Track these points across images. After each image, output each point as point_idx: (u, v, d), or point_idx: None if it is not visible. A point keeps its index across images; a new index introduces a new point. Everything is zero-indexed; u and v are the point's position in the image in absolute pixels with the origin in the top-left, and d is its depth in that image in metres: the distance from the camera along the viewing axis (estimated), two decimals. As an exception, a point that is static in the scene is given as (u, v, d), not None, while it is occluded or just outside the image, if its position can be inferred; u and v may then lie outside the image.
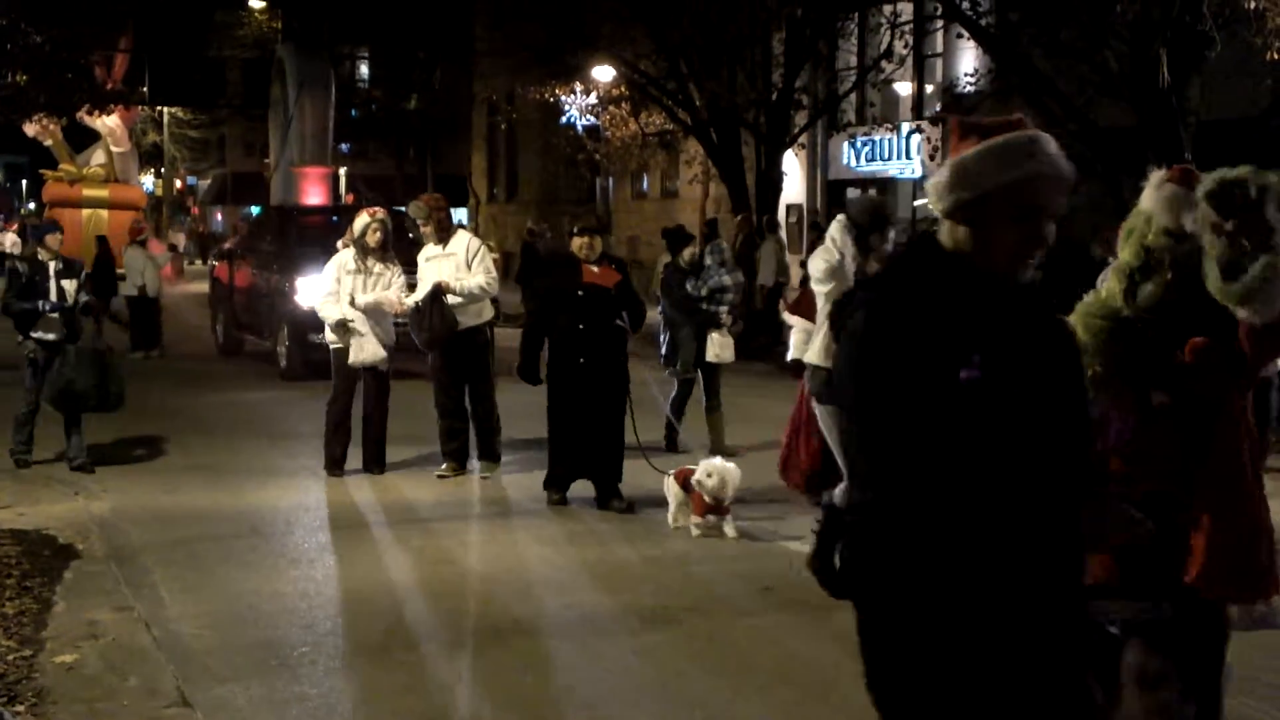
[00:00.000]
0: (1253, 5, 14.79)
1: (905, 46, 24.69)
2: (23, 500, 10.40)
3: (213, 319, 22.48)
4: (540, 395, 10.49)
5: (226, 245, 25.37)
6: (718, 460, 9.40)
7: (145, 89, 46.90)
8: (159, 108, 57.71)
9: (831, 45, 26.82)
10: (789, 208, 28.62)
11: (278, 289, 18.61)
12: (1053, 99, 18.35)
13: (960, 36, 21.95)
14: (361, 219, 11.66)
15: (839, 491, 7.43)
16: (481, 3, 37.83)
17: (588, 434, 10.08)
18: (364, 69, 56.45)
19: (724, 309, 12.56)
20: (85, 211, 44.37)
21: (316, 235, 20.52)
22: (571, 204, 37.72)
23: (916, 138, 27.19)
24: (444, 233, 11.44)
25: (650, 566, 8.71)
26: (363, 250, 11.55)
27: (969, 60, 23.95)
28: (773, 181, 25.50)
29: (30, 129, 42.84)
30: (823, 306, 8.86)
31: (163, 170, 64.81)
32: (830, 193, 30.39)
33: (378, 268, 11.57)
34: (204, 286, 30.00)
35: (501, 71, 33.15)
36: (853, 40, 27.58)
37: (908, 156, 27.88)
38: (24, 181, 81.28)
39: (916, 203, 29.07)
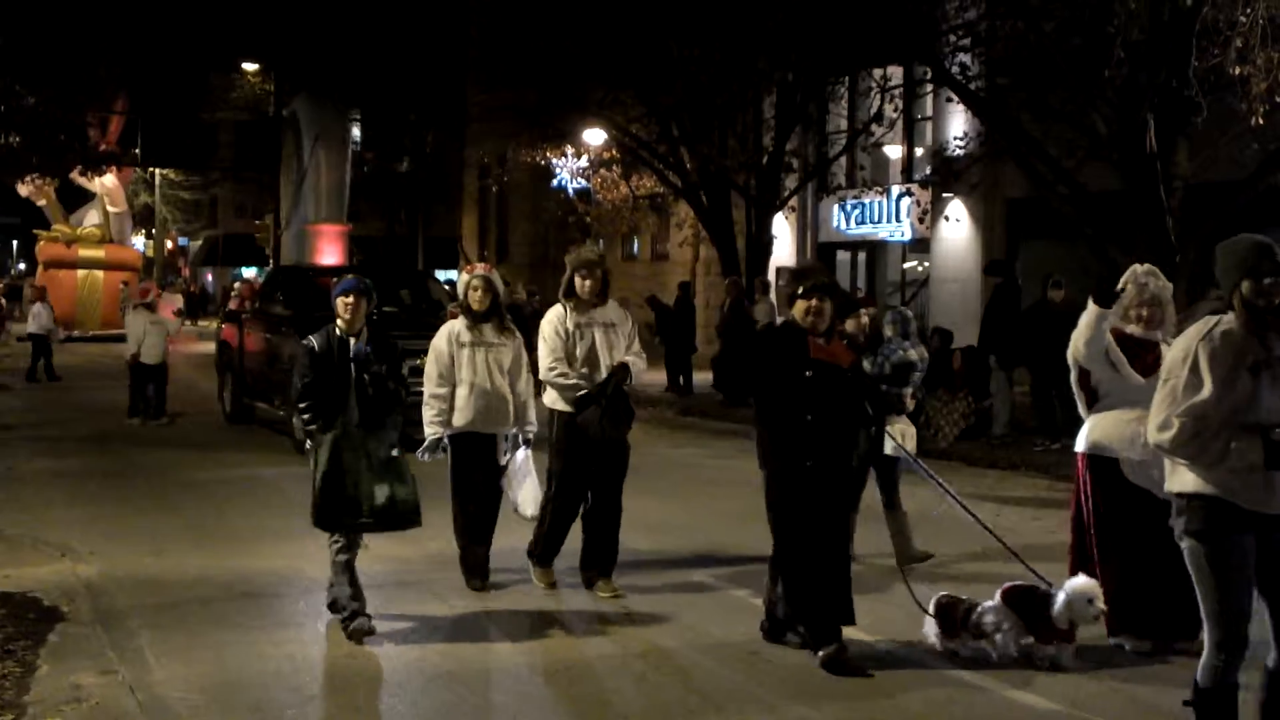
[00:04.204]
0: (1237, 71, 14.92)
1: (895, 110, 24.88)
2: (8, 562, 10.31)
3: (220, 385, 21.17)
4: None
5: (233, 307, 24.26)
6: (1084, 581, 7.50)
7: (138, 150, 47.10)
8: (151, 169, 57.96)
9: (822, 109, 27.01)
10: (779, 270, 28.70)
11: (294, 355, 17.77)
12: (1041, 162, 18.50)
13: (950, 100, 22.15)
14: (461, 279, 9.85)
15: (1205, 667, 5.71)
16: (473, 67, 38.04)
17: (820, 556, 7.75)
18: (356, 131, 56.77)
19: (908, 390, 10.26)
20: (80, 272, 44.43)
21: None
22: (562, 267, 37.77)
23: (906, 200, 27.33)
24: (604, 294, 9.40)
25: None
26: (472, 316, 9.57)
27: (959, 124, 24.15)
28: (763, 244, 25.61)
29: (23, 189, 43.06)
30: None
31: (154, 231, 64.98)
32: (820, 255, 30.48)
33: (492, 336, 9.54)
34: (199, 348, 30.00)
35: (493, 135, 33.33)
36: (843, 104, 27.76)
37: (898, 219, 28.00)
38: (15, 242, 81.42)
39: (905, 265, 29.19)
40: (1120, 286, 7.82)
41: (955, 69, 19.84)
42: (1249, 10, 14.34)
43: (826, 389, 7.68)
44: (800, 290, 7.89)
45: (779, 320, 8.64)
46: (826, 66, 23.96)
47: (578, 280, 9.24)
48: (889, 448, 9.74)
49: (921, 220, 26.84)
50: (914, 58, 22.53)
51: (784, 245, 29.67)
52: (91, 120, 39.21)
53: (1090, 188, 18.29)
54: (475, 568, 9.53)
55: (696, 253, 33.02)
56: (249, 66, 52.28)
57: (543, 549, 9.51)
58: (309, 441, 8.45)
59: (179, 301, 43.12)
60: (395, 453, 8.26)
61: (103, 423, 20.06)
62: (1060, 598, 7.38)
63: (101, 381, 26.22)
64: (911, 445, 10.12)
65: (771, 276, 26.38)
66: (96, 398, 23.94)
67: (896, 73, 25.06)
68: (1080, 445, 8.00)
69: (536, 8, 25.34)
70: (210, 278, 73.84)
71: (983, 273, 22.48)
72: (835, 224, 29.78)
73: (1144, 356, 7.74)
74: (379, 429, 8.25)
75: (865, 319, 10.32)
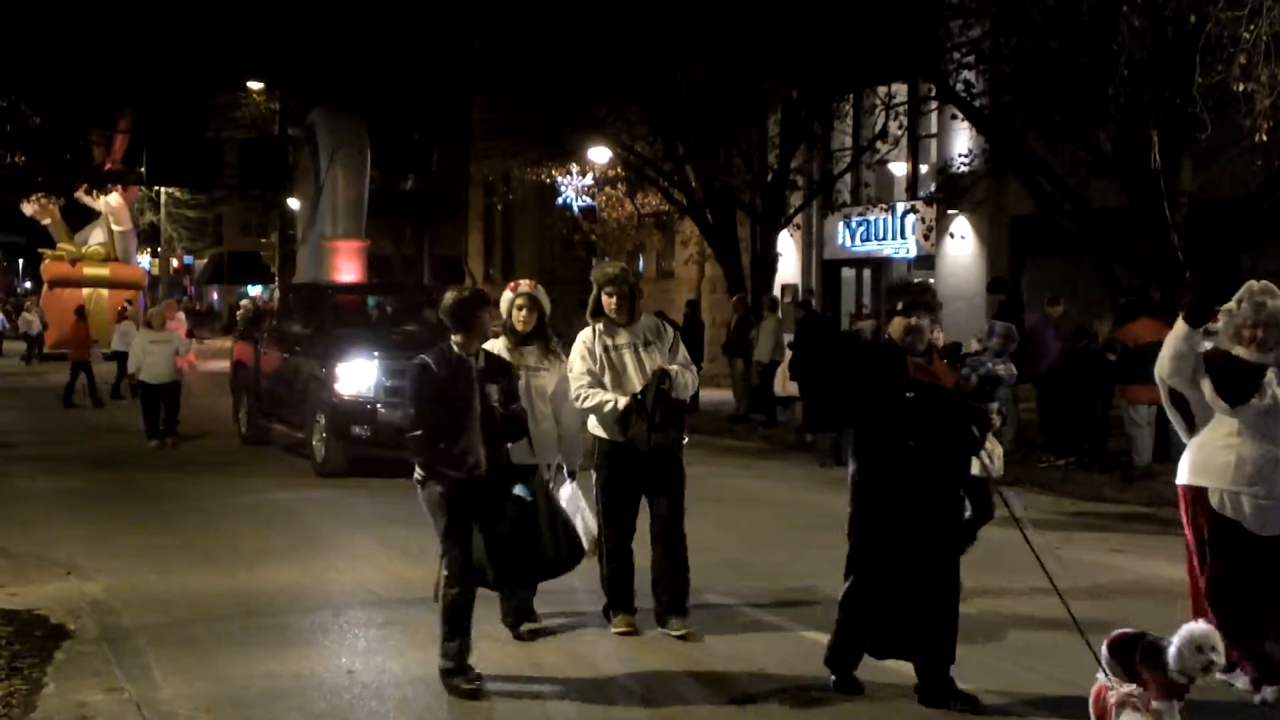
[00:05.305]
0: (1241, 88, 14.94)
1: (900, 127, 24.90)
2: (15, 580, 10.32)
3: (235, 406, 20.61)
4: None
5: (264, 325, 23.02)
6: (1203, 627, 6.55)
7: (143, 169, 47.17)
8: (156, 188, 57.99)
9: (826, 126, 27.06)
10: (784, 288, 28.72)
11: (313, 375, 17.05)
12: (1046, 179, 18.54)
13: (955, 117, 22.18)
14: (504, 296, 8.90)
15: None
16: (478, 85, 38.12)
17: (909, 595, 7.17)
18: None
19: (994, 405, 9.60)
20: (85, 291, 44.43)
21: (354, 316, 19.31)
22: (567, 284, 37.85)
23: (911, 218, 27.36)
24: (632, 311, 8.77)
25: None
26: (514, 337, 8.74)
27: (963, 141, 24.17)
28: (768, 262, 25.63)
29: (28, 208, 43.13)
30: None
31: (159, 250, 65.08)
32: (825, 272, 30.51)
33: (534, 359, 8.72)
34: (206, 366, 29.93)
35: (498, 153, 33.38)
36: (848, 121, 27.81)
37: (902, 236, 28.02)
38: (20, 261, 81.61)
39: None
40: (1232, 304, 7.26)
41: (960, 86, 19.88)
42: (1252, 27, 14.35)
43: (929, 412, 7.17)
44: (899, 306, 7.38)
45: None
46: (831, 84, 24.01)
47: (604, 298, 8.67)
48: (975, 469, 8.82)
49: (926, 237, 26.86)
50: (918, 75, 22.59)
51: (789, 262, 29.68)
52: (96, 139, 39.29)
53: (1095, 204, 18.32)
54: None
55: (702, 270, 33.02)
56: (254, 85, 52.41)
57: (610, 594, 8.74)
58: (425, 484, 7.56)
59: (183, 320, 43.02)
60: (527, 493, 7.66)
61: (109, 442, 20.06)
62: (1172, 648, 6.45)
63: (108, 400, 26.21)
64: (999, 465, 9.62)
65: (777, 293, 26.40)
66: (103, 417, 23.97)
67: (901, 90, 25.10)
68: (1180, 477, 7.44)
69: (541, 26, 25.39)
70: (216, 295, 73.98)
71: (986, 291, 22.49)
72: (840, 241, 29.80)
73: (1247, 382, 7.16)
74: (514, 464, 7.73)
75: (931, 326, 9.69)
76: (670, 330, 8.87)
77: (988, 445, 9.11)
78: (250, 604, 9.65)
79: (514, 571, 7.66)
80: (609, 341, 8.63)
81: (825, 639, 7.58)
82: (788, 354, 21.27)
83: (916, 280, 7.77)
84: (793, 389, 20.90)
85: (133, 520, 13.26)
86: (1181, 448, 7.57)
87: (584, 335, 8.71)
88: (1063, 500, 14.78)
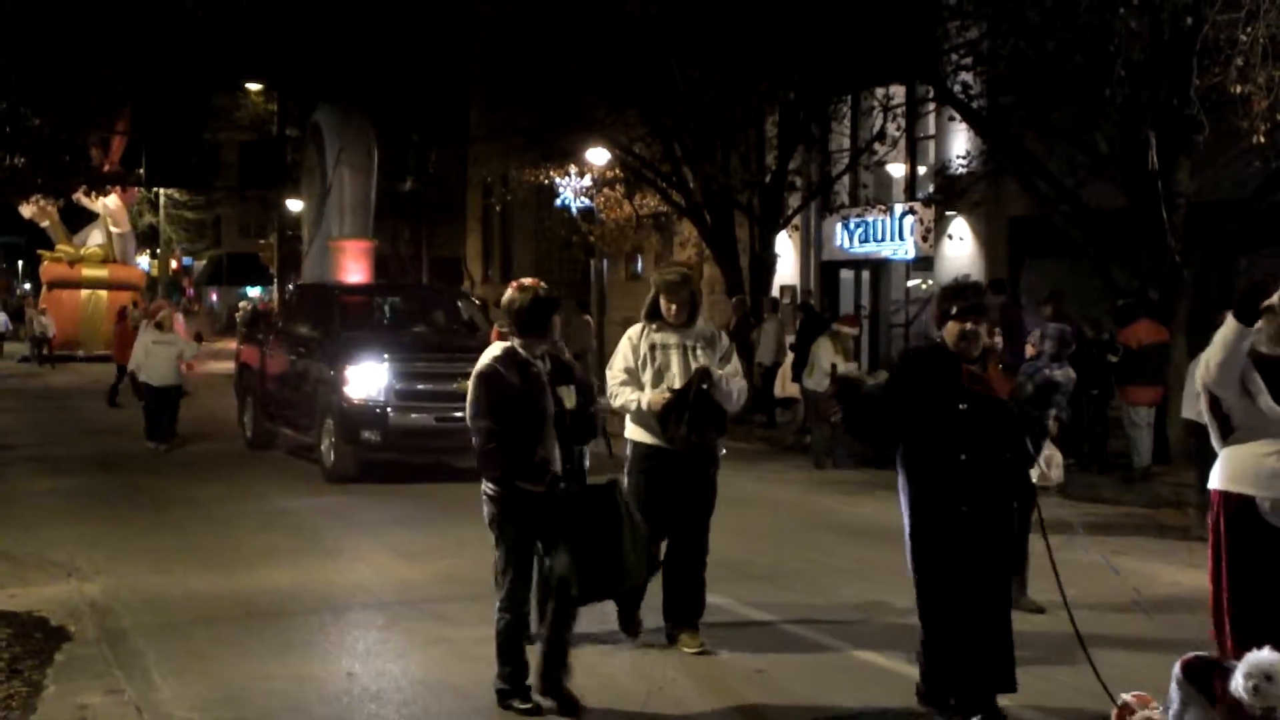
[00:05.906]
0: (1238, 89, 14.96)
1: (898, 129, 24.91)
2: (14, 582, 10.33)
3: (240, 409, 20.21)
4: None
5: (263, 327, 21.83)
6: (1266, 655, 5.96)
7: (142, 171, 47.15)
8: (155, 189, 57.99)
9: (824, 128, 27.06)
10: (782, 289, 28.71)
11: (322, 378, 16.70)
12: (1044, 180, 18.55)
13: (952, 119, 22.18)
14: (507, 295, 8.06)
15: None
16: (476, 87, 38.10)
17: (972, 617, 6.81)
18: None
19: (1050, 412, 9.43)
20: (84, 292, 44.47)
21: (363, 317, 19.01)
22: (566, 285, 37.93)
23: (909, 219, 27.34)
24: (692, 315, 8.45)
25: None
26: None
27: (961, 142, 24.17)
28: (766, 263, 25.64)
29: (27, 210, 43.10)
30: None
31: (158, 251, 65.09)
32: (824, 274, 30.50)
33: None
34: (208, 367, 29.95)
35: (496, 154, 33.32)
36: (845, 123, 27.80)
37: (900, 238, 28.00)
38: (20, 262, 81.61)
39: (909, 283, 29.20)
40: (1275, 299, 6.50)
41: (957, 88, 19.88)
42: (1249, 29, 14.38)
43: (982, 424, 6.77)
44: (954, 310, 6.96)
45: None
46: (829, 86, 24.01)
47: (663, 302, 8.37)
48: (1034, 476, 8.09)
49: (924, 239, 26.85)
50: (916, 77, 22.59)
51: (787, 264, 29.70)
52: (94, 140, 39.26)
53: (1092, 206, 18.32)
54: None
55: (700, 271, 33.04)
56: (253, 86, 52.40)
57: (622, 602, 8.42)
58: (496, 500, 7.07)
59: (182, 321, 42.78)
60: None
61: (108, 444, 20.02)
62: (1236, 675, 5.96)
63: (104, 401, 26.20)
64: (1058, 473, 9.42)
65: (775, 294, 26.43)
66: (102, 418, 23.96)
67: (899, 92, 25.10)
68: (1214, 482, 6.79)
69: (541, 28, 25.40)
70: (215, 297, 74.03)
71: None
72: (838, 242, 29.80)
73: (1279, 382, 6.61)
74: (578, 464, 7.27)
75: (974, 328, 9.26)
76: (726, 340, 8.59)
77: (1046, 452, 8.87)
78: (251, 606, 9.66)
79: (599, 585, 7.16)
80: (658, 339, 8.38)
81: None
82: (789, 355, 21.27)
83: (973, 280, 7.51)
84: (793, 390, 20.91)
85: (134, 522, 13.28)
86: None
87: (632, 331, 8.51)
88: (1062, 502, 14.77)
